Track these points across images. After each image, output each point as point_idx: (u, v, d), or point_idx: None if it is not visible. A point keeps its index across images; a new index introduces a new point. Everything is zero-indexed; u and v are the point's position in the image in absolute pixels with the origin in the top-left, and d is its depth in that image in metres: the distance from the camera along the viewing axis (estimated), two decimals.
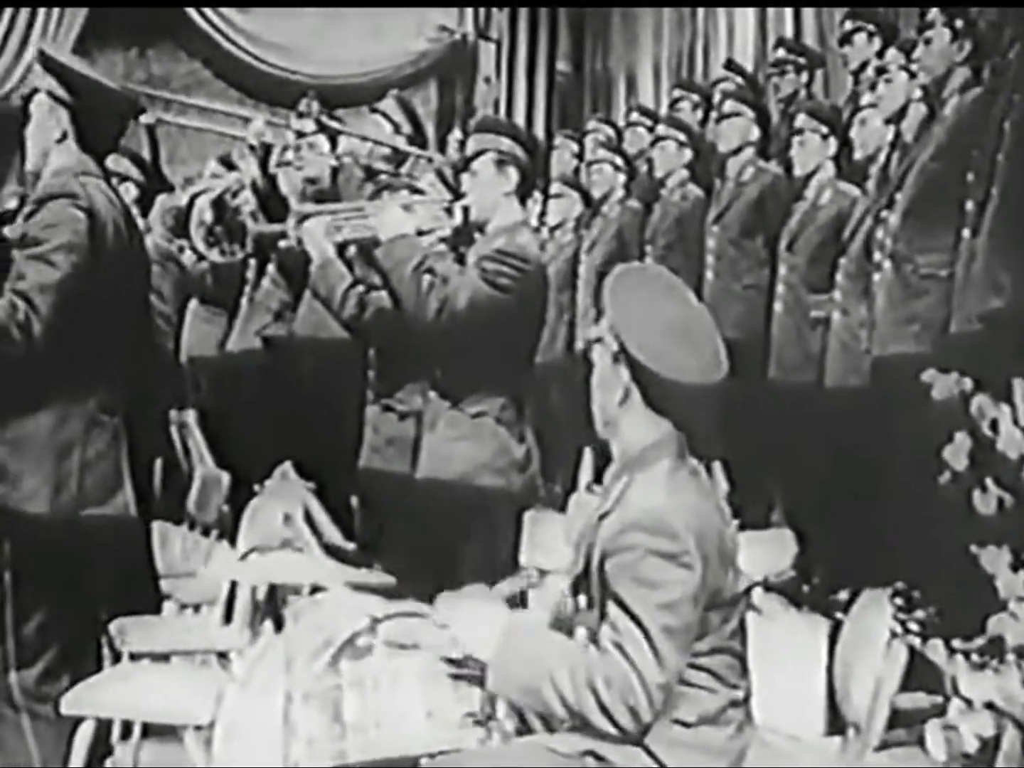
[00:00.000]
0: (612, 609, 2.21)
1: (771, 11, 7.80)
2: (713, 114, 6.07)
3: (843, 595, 4.02)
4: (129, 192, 4.62)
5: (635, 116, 6.86)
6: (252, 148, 4.91)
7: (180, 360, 5.59)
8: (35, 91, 3.27)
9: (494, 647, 2.28)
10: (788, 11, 7.66)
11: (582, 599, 2.37)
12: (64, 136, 3.22)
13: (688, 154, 5.64)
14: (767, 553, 4.21)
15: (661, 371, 2.28)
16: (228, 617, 3.72)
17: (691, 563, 2.19)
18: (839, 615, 3.50)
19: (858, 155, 4.87)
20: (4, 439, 3.07)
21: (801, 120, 4.98)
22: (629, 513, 2.25)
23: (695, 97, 6.53)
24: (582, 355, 2.52)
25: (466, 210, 3.59)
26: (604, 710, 2.16)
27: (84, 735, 3.08)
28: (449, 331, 3.44)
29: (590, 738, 2.23)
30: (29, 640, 3.10)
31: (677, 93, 6.78)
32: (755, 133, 5.36)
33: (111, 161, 3.81)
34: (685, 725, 2.25)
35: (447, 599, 2.50)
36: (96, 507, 3.11)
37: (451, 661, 2.39)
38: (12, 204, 4.87)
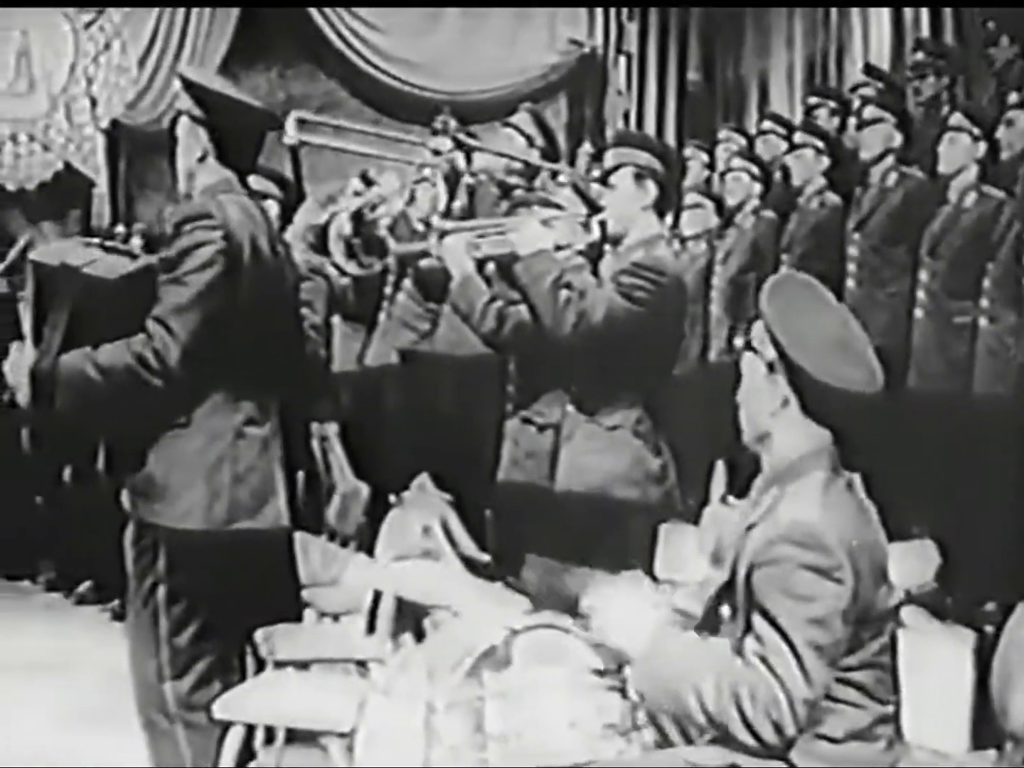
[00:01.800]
0: (758, 621, 2.18)
1: (907, 12, 7.64)
2: (852, 120, 5.98)
3: (989, 607, 3.93)
4: (271, 210, 4.70)
5: (767, 124, 6.78)
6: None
7: (332, 371, 5.66)
8: (179, 114, 3.27)
9: (642, 644, 2.26)
10: (924, 12, 7.49)
11: (725, 609, 2.34)
12: (205, 155, 3.22)
13: (826, 161, 5.56)
14: (910, 565, 4.12)
15: (824, 378, 2.25)
16: (371, 627, 3.76)
17: (843, 578, 2.15)
18: (987, 627, 3.42)
19: (1004, 156, 4.75)
20: (162, 458, 3.10)
21: (955, 119, 4.87)
22: (779, 525, 2.22)
23: (832, 103, 6.42)
24: (733, 364, 2.48)
25: (603, 224, 3.59)
26: (747, 723, 2.12)
27: (233, 740, 3.14)
28: (586, 345, 3.45)
29: (731, 751, 2.20)
30: (183, 651, 3.13)
31: (813, 100, 6.67)
32: (897, 139, 5.25)
33: (252, 181, 3.88)
34: (833, 741, 2.21)
35: (600, 587, 2.44)
36: (247, 519, 3.13)
37: (594, 672, 2.39)
38: None
